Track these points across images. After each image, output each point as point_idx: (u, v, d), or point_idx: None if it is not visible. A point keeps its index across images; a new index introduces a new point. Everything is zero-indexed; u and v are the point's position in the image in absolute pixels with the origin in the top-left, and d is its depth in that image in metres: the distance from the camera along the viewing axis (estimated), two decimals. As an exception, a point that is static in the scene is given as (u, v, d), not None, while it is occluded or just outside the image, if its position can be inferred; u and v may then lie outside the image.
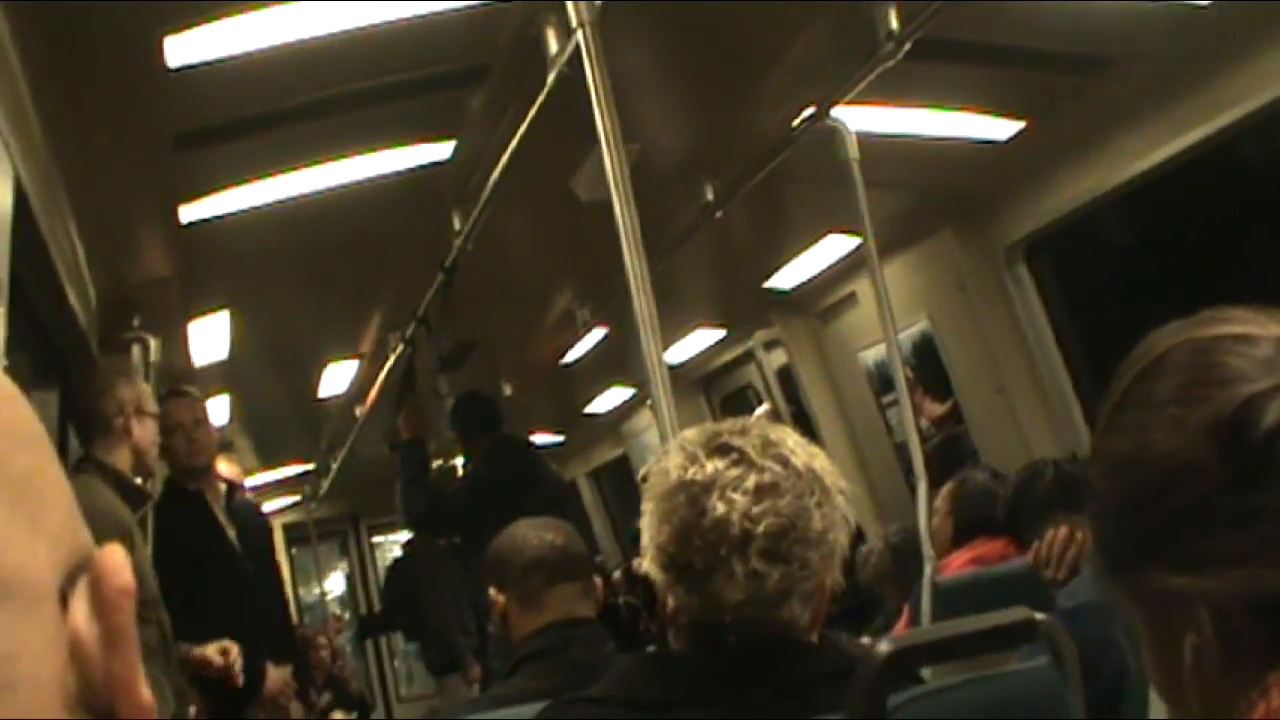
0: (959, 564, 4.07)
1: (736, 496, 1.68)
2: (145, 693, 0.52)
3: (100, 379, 3.89)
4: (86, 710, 0.51)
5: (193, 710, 4.29)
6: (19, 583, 0.49)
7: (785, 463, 1.72)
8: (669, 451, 1.81)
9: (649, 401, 8.43)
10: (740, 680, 1.69)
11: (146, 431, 3.80)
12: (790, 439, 1.78)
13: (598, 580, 2.92)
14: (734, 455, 1.72)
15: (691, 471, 1.72)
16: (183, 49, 3.46)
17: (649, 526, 1.77)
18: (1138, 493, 0.90)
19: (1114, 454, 0.93)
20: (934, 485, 4.40)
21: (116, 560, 0.53)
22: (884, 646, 1.53)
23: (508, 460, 5.81)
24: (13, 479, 0.51)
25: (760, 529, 1.67)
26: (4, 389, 0.54)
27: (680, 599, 1.73)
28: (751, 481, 1.69)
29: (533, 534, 2.85)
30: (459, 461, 7.11)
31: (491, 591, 2.85)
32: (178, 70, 3.51)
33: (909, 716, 1.55)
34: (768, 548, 1.67)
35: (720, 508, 1.68)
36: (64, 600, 0.52)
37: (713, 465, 1.71)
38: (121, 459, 3.69)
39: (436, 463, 6.44)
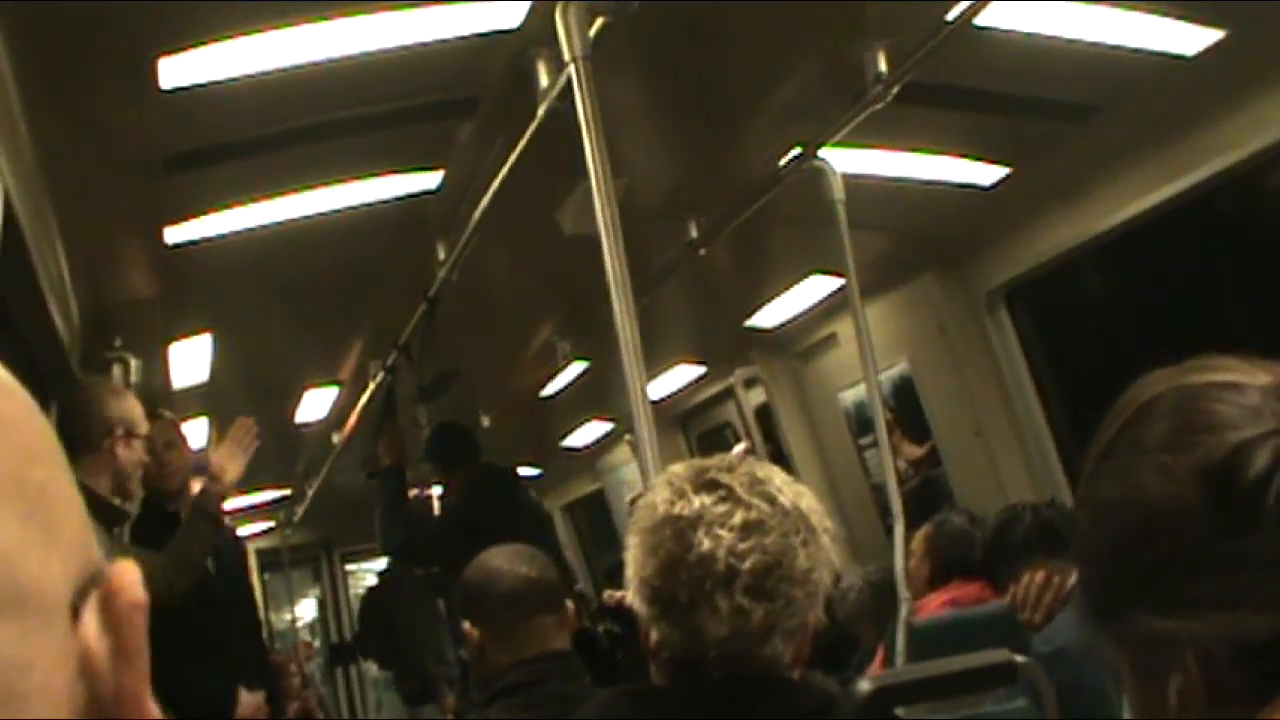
0: (935, 605, 4.08)
1: (723, 533, 1.69)
2: (154, 708, 0.53)
3: (88, 398, 3.83)
4: (93, 724, 0.51)
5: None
6: (34, 594, 0.50)
7: (772, 501, 1.73)
8: (656, 486, 1.81)
9: (627, 437, 8.45)
10: (722, 716, 1.69)
11: (133, 454, 3.76)
12: (778, 477, 1.79)
13: (570, 604, 2.89)
14: (721, 492, 1.73)
15: (679, 506, 1.73)
16: (177, 71, 3.46)
17: (634, 559, 1.77)
18: (1126, 537, 0.91)
19: (1102, 499, 0.94)
20: (911, 527, 4.41)
21: (130, 576, 0.54)
22: (865, 685, 1.53)
23: (489, 490, 5.80)
24: (29, 492, 0.51)
25: (746, 566, 1.67)
26: (21, 402, 0.55)
27: (663, 633, 1.73)
28: (738, 518, 1.70)
29: (506, 566, 2.81)
30: (435, 491, 7.09)
31: (465, 625, 2.82)
32: (171, 92, 3.52)
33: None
34: (752, 584, 1.68)
35: (706, 543, 1.68)
36: (75, 613, 0.52)
37: (700, 501, 1.72)
38: (101, 481, 3.66)
39: (412, 492, 6.42)
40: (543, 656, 2.70)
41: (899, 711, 1.87)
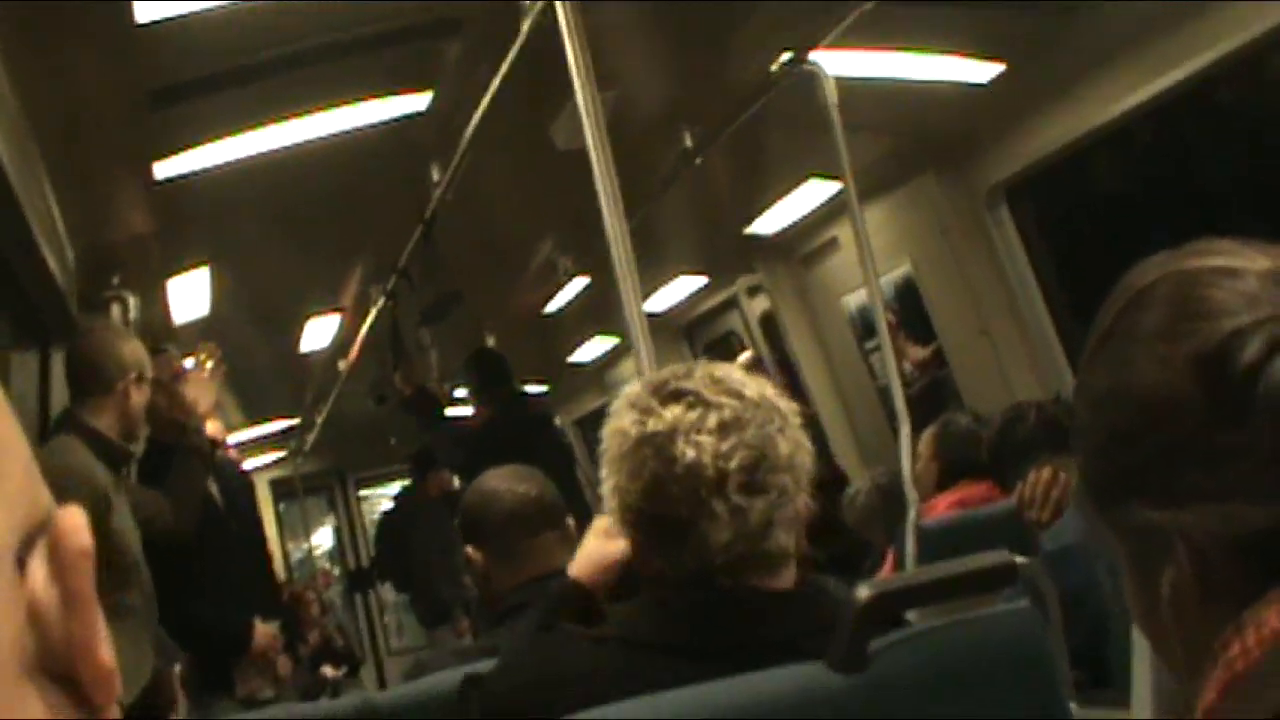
0: (943, 507, 4.09)
1: (702, 438, 1.66)
2: (107, 654, 0.51)
3: (101, 341, 3.81)
4: (46, 674, 0.50)
5: (178, 667, 4.29)
6: None
7: (740, 396, 1.70)
8: (617, 411, 1.78)
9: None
10: (736, 626, 1.67)
11: (143, 398, 3.76)
12: (735, 372, 1.76)
13: (571, 522, 2.87)
14: (688, 399, 1.70)
15: (650, 423, 1.69)
16: (151, 4, 3.41)
17: (615, 490, 1.72)
18: (1121, 426, 0.89)
19: (1099, 387, 0.92)
20: (917, 429, 4.41)
21: (75, 521, 0.52)
22: (864, 591, 1.52)
23: (522, 412, 5.95)
24: None
25: (734, 465, 1.65)
26: None
27: (666, 554, 1.70)
28: (713, 420, 1.67)
29: (504, 486, 2.78)
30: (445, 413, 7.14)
31: (468, 549, 2.80)
32: (147, 25, 3.47)
33: (890, 660, 1.54)
34: (745, 481, 1.65)
35: (690, 453, 1.65)
36: (22, 564, 0.50)
37: (670, 413, 1.69)
38: (107, 421, 3.64)
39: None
40: (548, 575, 2.68)
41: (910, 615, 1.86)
